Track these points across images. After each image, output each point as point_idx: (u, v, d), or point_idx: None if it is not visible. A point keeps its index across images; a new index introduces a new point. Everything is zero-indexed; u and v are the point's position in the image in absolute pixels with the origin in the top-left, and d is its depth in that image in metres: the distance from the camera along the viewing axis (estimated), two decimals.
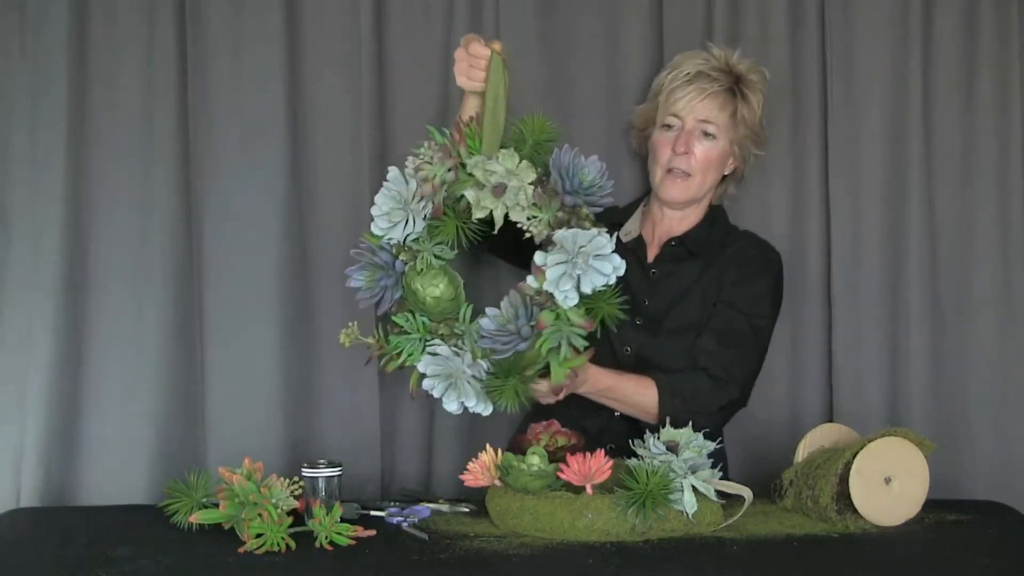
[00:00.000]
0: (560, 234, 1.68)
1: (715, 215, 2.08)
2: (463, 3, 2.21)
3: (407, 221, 1.76)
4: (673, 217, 2.06)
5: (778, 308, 2.04)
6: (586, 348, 1.71)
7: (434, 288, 1.78)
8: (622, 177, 2.24)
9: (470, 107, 1.85)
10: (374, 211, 1.78)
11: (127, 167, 2.19)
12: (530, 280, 1.70)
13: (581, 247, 1.66)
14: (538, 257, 1.69)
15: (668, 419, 1.81)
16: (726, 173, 2.07)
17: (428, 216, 1.77)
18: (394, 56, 2.24)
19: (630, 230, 2.05)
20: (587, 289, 1.67)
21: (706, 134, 1.98)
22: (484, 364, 1.72)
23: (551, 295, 1.67)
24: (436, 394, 1.75)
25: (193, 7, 2.19)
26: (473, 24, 2.21)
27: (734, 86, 1.99)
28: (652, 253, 2.05)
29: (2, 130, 2.17)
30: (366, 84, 2.21)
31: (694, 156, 1.98)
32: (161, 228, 2.19)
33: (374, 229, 1.79)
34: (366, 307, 1.83)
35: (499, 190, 1.71)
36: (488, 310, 1.74)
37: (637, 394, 1.89)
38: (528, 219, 1.71)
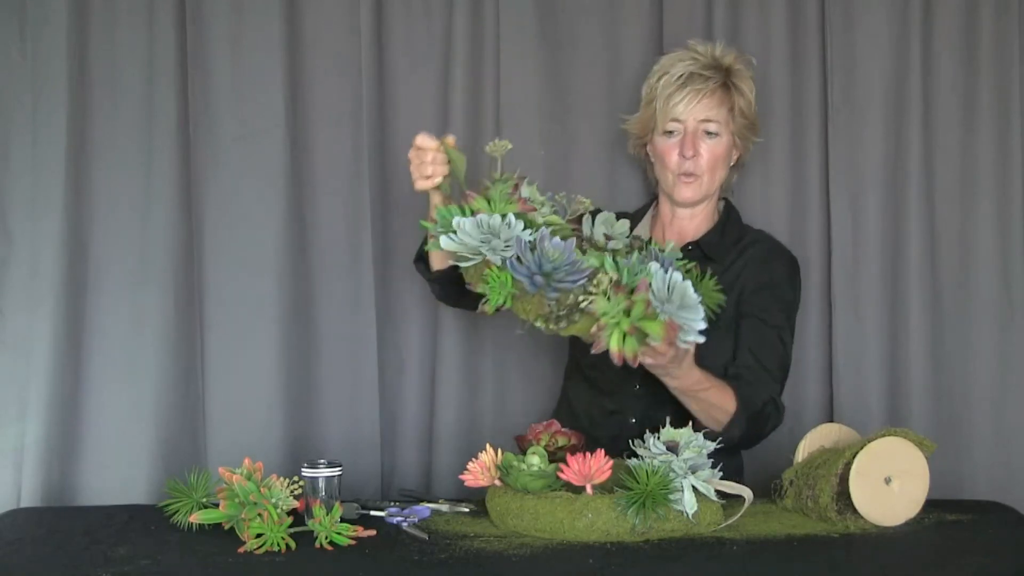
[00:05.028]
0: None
1: (729, 215, 2.08)
2: (463, 3, 2.22)
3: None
4: (683, 216, 2.06)
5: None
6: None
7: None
8: (621, 176, 2.25)
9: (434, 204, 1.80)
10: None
11: (127, 167, 2.19)
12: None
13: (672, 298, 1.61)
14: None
15: (706, 428, 1.79)
16: (731, 164, 2.07)
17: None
18: (394, 56, 2.25)
19: (640, 234, 2.06)
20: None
21: (708, 133, 1.99)
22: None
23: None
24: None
25: (193, 7, 2.19)
26: (473, 24, 2.21)
27: (727, 80, 2.00)
28: None
29: (2, 131, 2.17)
30: (366, 84, 2.21)
31: (702, 157, 1.99)
32: (161, 228, 2.19)
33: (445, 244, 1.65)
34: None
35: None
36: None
37: (717, 401, 1.83)
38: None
